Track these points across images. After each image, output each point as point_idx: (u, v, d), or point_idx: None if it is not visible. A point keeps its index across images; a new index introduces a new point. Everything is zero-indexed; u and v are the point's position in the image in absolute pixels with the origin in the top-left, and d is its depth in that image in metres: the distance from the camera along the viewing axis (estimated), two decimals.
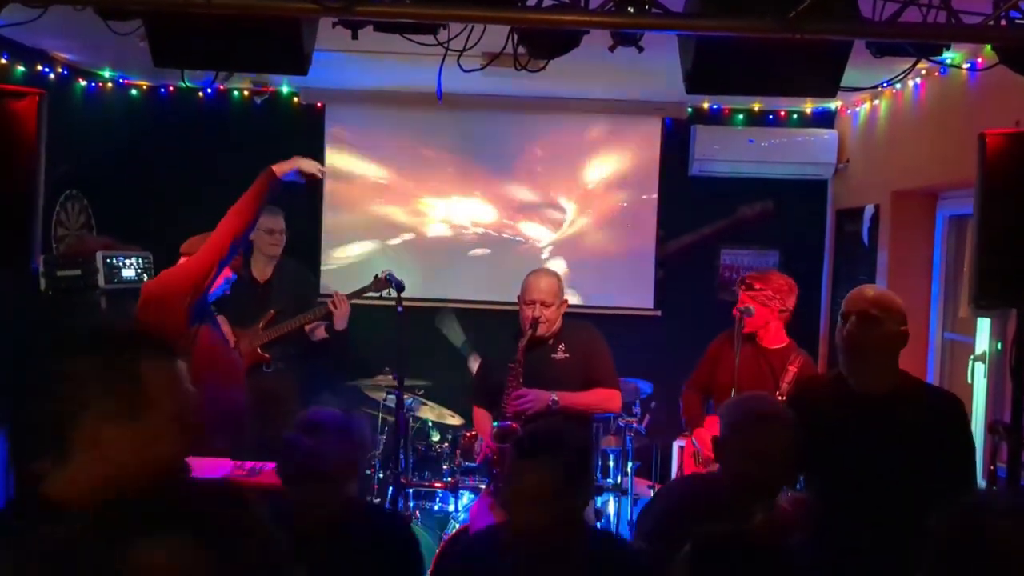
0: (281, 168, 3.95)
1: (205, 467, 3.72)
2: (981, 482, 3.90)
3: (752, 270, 6.13)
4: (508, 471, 2.57)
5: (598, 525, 4.57)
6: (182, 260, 4.09)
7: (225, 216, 3.91)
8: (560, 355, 4.10)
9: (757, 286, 4.41)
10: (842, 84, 2.91)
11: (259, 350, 5.04)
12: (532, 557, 2.43)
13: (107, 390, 1.53)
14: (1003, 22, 2.69)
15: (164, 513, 1.07)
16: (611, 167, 6.43)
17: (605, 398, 4.13)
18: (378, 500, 4.92)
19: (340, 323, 4.97)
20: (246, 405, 4.02)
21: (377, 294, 5.05)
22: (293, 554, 1.16)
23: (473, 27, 2.78)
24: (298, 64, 2.84)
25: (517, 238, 6.49)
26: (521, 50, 2.84)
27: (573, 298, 4.24)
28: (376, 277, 5.10)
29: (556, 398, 3.97)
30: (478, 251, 6.53)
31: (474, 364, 5.10)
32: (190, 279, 3.81)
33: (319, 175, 4.08)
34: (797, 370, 4.31)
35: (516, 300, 4.18)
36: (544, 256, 6.44)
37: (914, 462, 2.82)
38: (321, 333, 5.18)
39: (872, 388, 2.93)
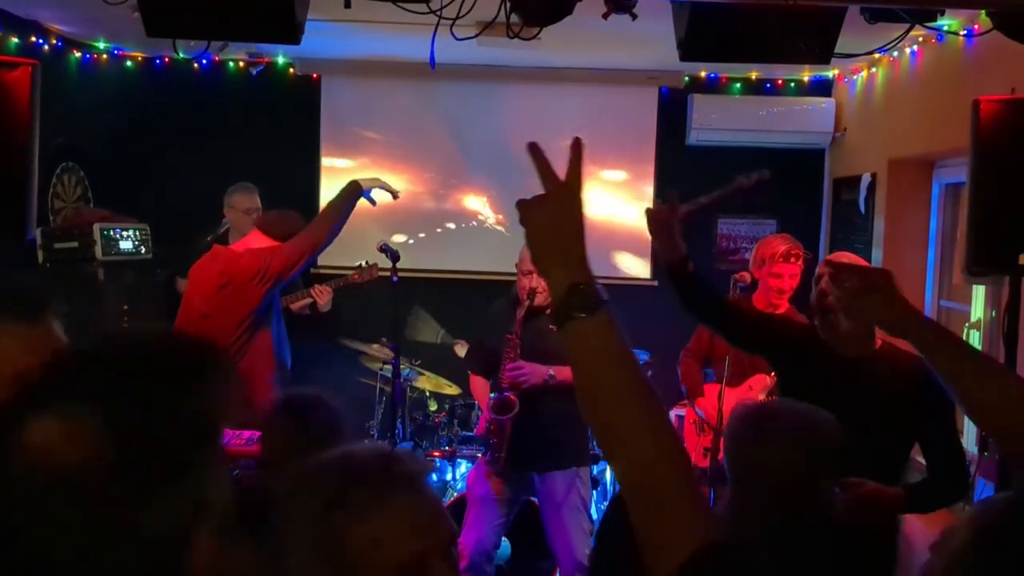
0: (366, 182, 4.21)
1: None
2: (971, 448, 3.93)
3: (749, 239, 6.16)
4: None
5: (594, 494, 4.60)
6: (254, 235, 4.18)
7: (313, 222, 4.13)
8: None
9: (799, 252, 4.32)
10: (836, 51, 2.91)
11: None
12: None
13: None
14: None
15: (62, 384, 0.93)
16: (608, 137, 6.41)
17: None
18: None
19: (324, 307, 5.08)
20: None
21: (363, 281, 5.13)
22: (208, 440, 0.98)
23: None
24: (290, 33, 2.83)
25: (513, 209, 6.46)
26: (514, 18, 2.84)
27: None
28: (360, 266, 5.17)
29: (553, 373, 3.98)
30: (474, 221, 6.53)
31: (461, 350, 5.12)
32: (272, 269, 3.92)
33: (394, 192, 4.37)
34: None
35: (511, 271, 4.19)
36: None
37: (886, 426, 2.83)
38: (302, 308, 5.18)
39: (847, 350, 2.92)
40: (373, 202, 4.30)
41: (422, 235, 6.46)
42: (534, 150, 1.42)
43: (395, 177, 6.40)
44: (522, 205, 1.39)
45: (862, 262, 4.23)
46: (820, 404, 2.25)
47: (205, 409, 0.96)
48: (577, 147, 1.41)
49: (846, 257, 4.36)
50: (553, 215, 1.38)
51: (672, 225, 2.87)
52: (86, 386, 0.92)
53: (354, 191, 4.14)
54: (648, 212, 2.95)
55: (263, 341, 4.01)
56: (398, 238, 6.22)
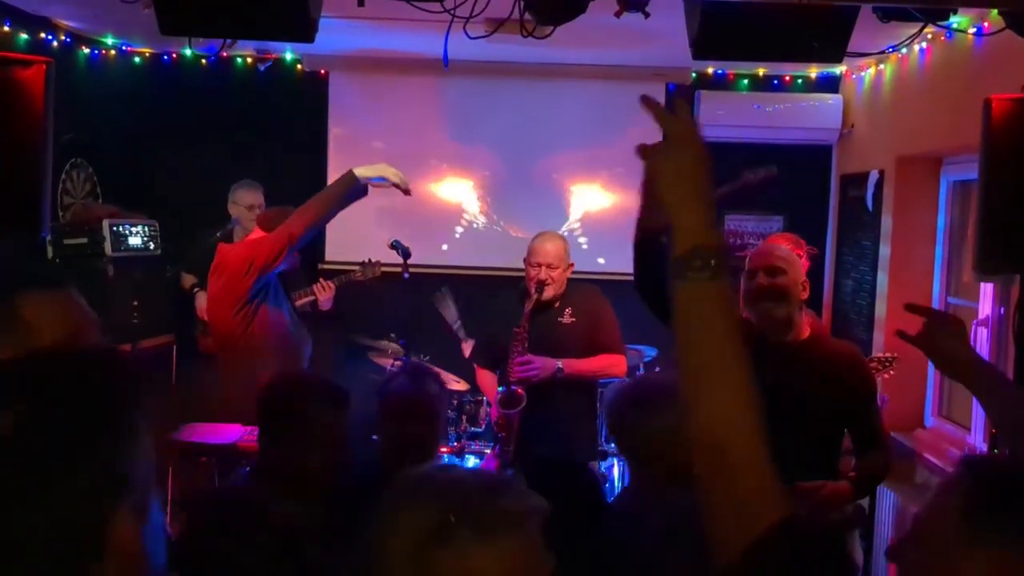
0: (364, 172, 4.01)
1: (215, 433, 3.78)
2: (984, 445, 3.94)
3: (756, 235, 6.16)
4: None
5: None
6: (255, 232, 4.19)
7: (301, 207, 4.01)
8: (567, 319, 4.12)
9: (798, 252, 4.37)
10: (848, 49, 2.91)
11: None
12: None
13: None
14: None
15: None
16: (614, 133, 6.40)
17: (611, 364, 4.16)
18: None
19: (324, 304, 5.06)
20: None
21: (364, 279, 5.14)
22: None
23: None
24: (304, 31, 2.84)
25: (521, 204, 6.49)
26: (527, 16, 2.85)
27: (576, 264, 4.26)
28: (363, 264, 5.17)
29: (561, 366, 3.99)
30: (483, 217, 6.54)
31: (466, 348, 5.13)
32: (257, 261, 3.93)
33: (403, 186, 4.10)
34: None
35: (518, 267, 4.20)
36: (548, 220, 6.44)
37: (820, 408, 3.01)
38: (304, 304, 5.19)
39: (785, 336, 3.08)
40: (364, 191, 4.14)
41: (431, 231, 6.46)
42: (646, 100, 1.36)
43: (402, 171, 6.41)
44: (646, 150, 1.32)
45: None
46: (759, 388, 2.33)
47: (108, 399, 1.07)
48: (650, 100, 1.35)
49: (783, 239, 4.42)
50: (681, 157, 1.31)
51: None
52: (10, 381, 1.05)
53: (349, 184, 4.00)
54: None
55: (262, 333, 4.02)
56: (406, 234, 6.22)
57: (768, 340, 3.05)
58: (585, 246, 6.33)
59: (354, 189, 4.00)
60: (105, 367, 1.13)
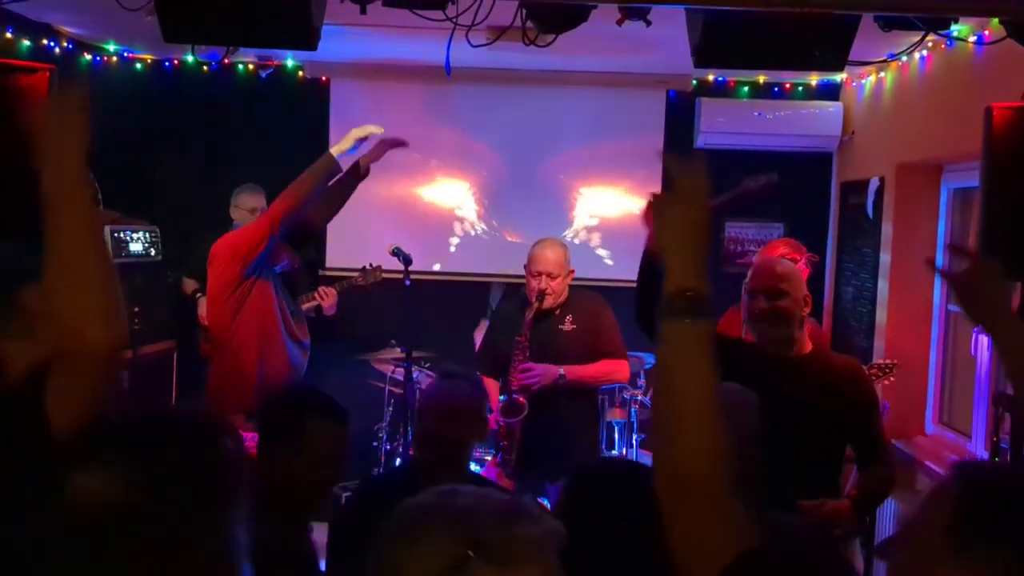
0: (339, 147, 4.10)
1: None
2: (985, 453, 3.94)
3: (756, 242, 6.17)
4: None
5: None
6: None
7: (281, 193, 4.06)
8: (567, 326, 4.12)
9: (796, 257, 4.39)
10: (849, 58, 2.92)
11: None
12: None
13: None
14: None
15: (99, 441, 1.12)
16: (615, 140, 6.42)
17: (613, 369, 4.15)
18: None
19: (328, 310, 5.08)
20: (287, 375, 4.14)
21: (366, 284, 5.15)
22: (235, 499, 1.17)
23: (481, 2, 2.79)
24: (307, 39, 2.85)
25: (523, 211, 6.50)
26: (529, 25, 2.86)
27: (576, 272, 4.26)
28: (364, 269, 5.18)
29: (563, 372, 3.99)
30: (484, 224, 6.54)
31: (480, 330, 5.14)
32: (240, 248, 3.98)
33: (378, 132, 4.24)
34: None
35: (518, 273, 4.20)
36: (549, 228, 6.44)
37: (822, 421, 3.01)
38: (308, 310, 5.19)
39: (786, 352, 3.08)
40: (365, 173, 4.30)
41: (432, 238, 6.46)
42: (663, 155, 1.56)
43: (403, 182, 6.43)
44: (657, 198, 1.48)
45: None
46: (764, 407, 2.35)
47: (218, 471, 1.13)
48: (667, 155, 1.51)
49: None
50: (685, 207, 1.44)
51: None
52: (121, 446, 1.11)
53: (326, 165, 4.08)
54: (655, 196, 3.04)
55: (246, 326, 4.03)
56: (408, 240, 6.23)
57: (770, 355, 3.05)
58: (587, 252, 6.33)
59: (331, 169, 4.09)
60: (213, 431, 1.17)
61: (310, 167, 4.11)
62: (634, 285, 3.19)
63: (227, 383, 4.01)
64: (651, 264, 3.08)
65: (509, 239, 6.41)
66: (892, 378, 4.57)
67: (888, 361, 4.61)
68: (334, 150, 4.10)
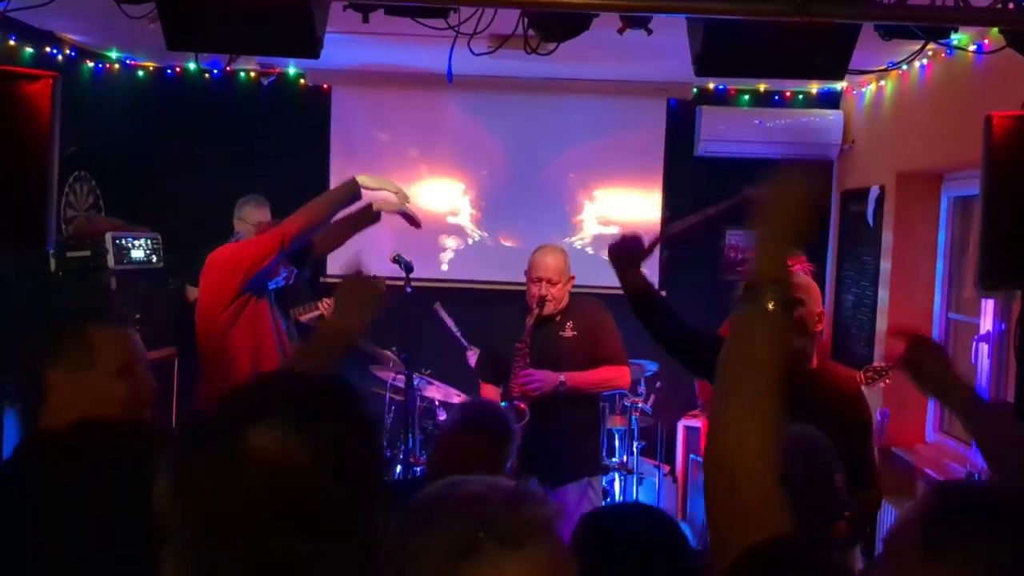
0: (365, 180, 3.99)
1: None
2: (982, 462, 3.94)
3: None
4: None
5: (604, 504, 4.61)
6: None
7: (298, 210, 3.94)
8: (568, 332, 4.12)
9: (792, 263, 4.39)
10: (850, 66, 2.93)
11: None
12: None
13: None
14: (1011, 5, 2.71)
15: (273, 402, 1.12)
16: (616, 147, 6.44)
17: (614, 376, 4.15)
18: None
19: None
20: None
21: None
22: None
23: (483, 10, 2.80)
24: (310, 48, 2.86)
25: (524, 218, 6.51)
26: (531, 33, 2.87)
27: (577, 278, 4.26)
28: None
29: (563, 379, 3.99)
30: (486, 231, 6.55)
31: (472, 356, 5.14)
32: (244, 260, 3.85)
33: (408, 209, 4.24)
34: None
35: (521, 281, 4.20)
36: (550, 235, 6.45)
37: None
38: (311, 319, 5.19)
39: (794, 366, 3.01)
40: (376, 217, 4.24)
41: (433, 245, 6.48)
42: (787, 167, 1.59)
43: (404, 186, 6.41)
44: (779, 181, 1.52)
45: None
46: None
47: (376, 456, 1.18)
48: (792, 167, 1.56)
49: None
50: (797, 204, 1.51)
51: (636, 258, 3.06)
52: (292, 407, 1.11)
53: (349, 190, 3.98)
54: (612, 247, 3.14)
55: (239, 337, 3.92)
56: (409, 248, 6.24)
57: None
58: (588, 260, 6.34)
59: (352, 196, 3.99)
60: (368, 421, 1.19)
61: (332, 189, 4.09)
62: None
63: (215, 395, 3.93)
64: (634, 298, 3.10)
65: (510, 246, 6.42)
66: (888, 381, 4.56)
67: (883, 364, 4.61)
68: (361, 179, 3.98)
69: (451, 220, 6.55)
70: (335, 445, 1.07)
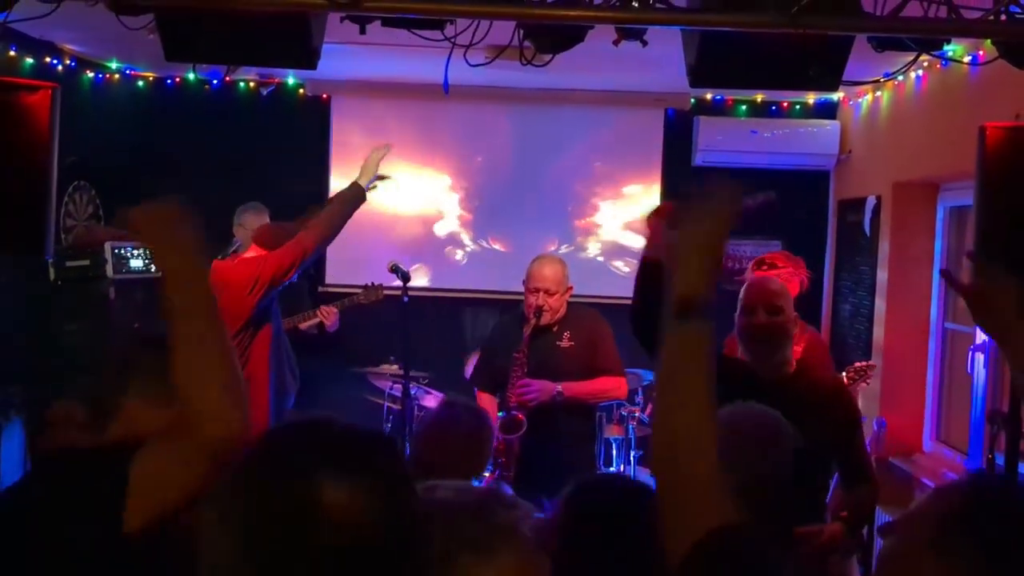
0: (364, 177, 4.10)
1: None
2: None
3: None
4: None
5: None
6: (252, 249, 4.17)
7: (311, 224, 4.00)
8: (565, 343, 4.13)
9: (780, 264, 4.40)
10: (844, 77, 2.95)
11: None
12: None
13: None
14: (1003, 17, 2.72)
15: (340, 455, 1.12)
16: (614, 158, 6.47)
17: (611, 387, 4.16)
18: None
19: (332, 327, 5.09)
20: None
21: (367, 302, 5.17)
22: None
23: (479, 22, 2.82)
24: (307, 58, 2.88)
25: (521, 228, 6.52)
26: (526, 44, 2.89)
27: (576, 288, 4.28)
28: (366, 287, 5.20)
29: (561, 389, 4.00)
30: (483, 242, 6.57)
31: (469, 364, 5.16)
32: (264, 276, 3.86)
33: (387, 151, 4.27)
34: (803, 348, 4.31)
35: (519, 290, 4.22)
36: (548, 246, 6.48)
37: (811, 440, 2.91)
38: (310, 327, 5.20)
39: (776, 372, 3.06)
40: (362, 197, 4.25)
41: (431, 254, 6.49)
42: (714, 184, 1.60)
43: (402, 199, 6.45)
44: (683, 206, 1.55)
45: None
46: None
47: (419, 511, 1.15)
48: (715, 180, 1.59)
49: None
50: (711, 224, 1.52)
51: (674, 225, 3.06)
52: (360, 461, 1.10)
53: (357, 196, 4.08)
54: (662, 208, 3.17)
55: (259, 352, 3.98)
56: (407, 257, 6.26)
57: (757, 375, 3.03)
58: (585, 269, 6.35)
59: (360, 199, 4.09)
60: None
61: (340, 197, 4.12)
62: (632, 300, 3.22)
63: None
64: (649, 272, 3.09)
65: (507, 256, 6.43)
66: (869, 382, 4.56)
67: (864, 364, 4.62)
68: (361, 181, 4.10)
69: (448, 229, 6.56)
70: (389, 501, 1.08)
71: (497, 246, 6.56)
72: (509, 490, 4.04)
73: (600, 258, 6.50)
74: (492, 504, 1.24)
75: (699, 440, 1.33)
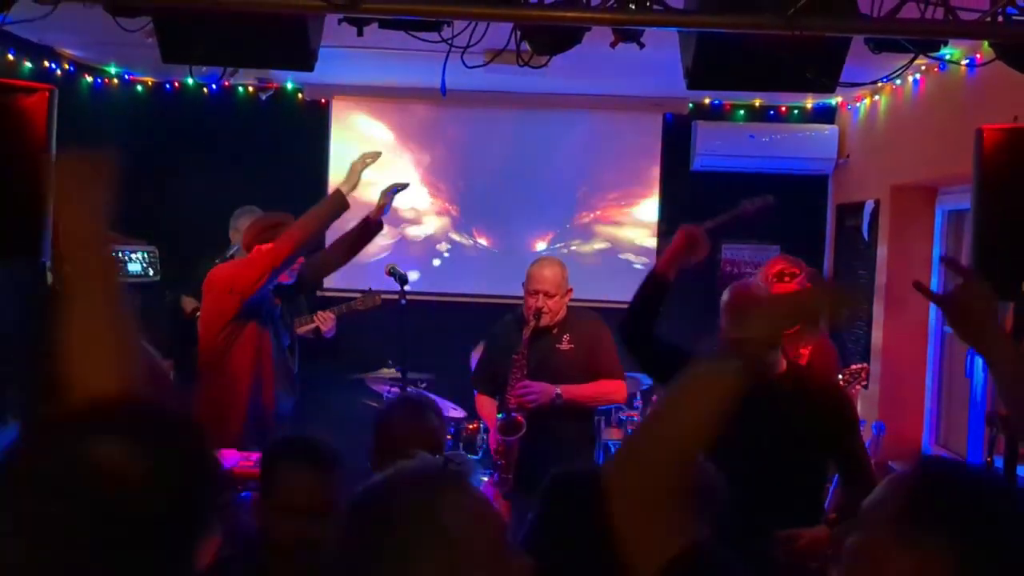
0: (348, 184, 4.02)
1: None
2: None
3: (753, 264, 6.18)
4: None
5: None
6: (255, 250, 4.13)
7: (289, 228, 3.95)
8: (565, 345, 4.12)
9: (796, 271, 4.36)
10: (841, 80, 2.95)
11: None
12: None
13: None
14: (1000, 19, 2.73)
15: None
16: (613, 162, 6.47)
17: (610, 390, 4.15)
18: None
19: (329, 333, 5.09)
20: (277, 411, 4.12)
21: (364, 308, 5.17)
22: None
23: (476, 24, 2.82)
24: (304, 60, 2.88)
25: (520, 232, 6.52)
26: (524, 46, 2.89)
27: (576, 292, 4.27)
28: (364, 292, 5.20)
29: (560, 392, 4.00)
30: (482, 244, 6.57)
31: (475, 357, 5.16)
32: (238, 283, 3.89)
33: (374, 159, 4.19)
34: (811, 352, 4.29)
35: (518, 294, 4.21)
36: (547, 250, 6.48)
37: (804, 440, 2.99)
38: (307, 332, 5.20)
39: (768, 374, 3.03)
40: (379, 227, 4.30)
41: (430, 258, 6.49)
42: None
43: (401, 203, 6.44)
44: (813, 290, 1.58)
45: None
46: (741, 427, 2.34)
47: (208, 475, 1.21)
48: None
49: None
50: (802, 306, 1.56)
51: (699, 256, 3.09)
52: (143, 432, 1.13)
53: (338, 205, 4.00)
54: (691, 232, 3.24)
55: (241, 353, 3.98)
56: (405, 261, 6.26)
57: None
58: (584, 274, 6.34)
59: (341, 207, 4.01)
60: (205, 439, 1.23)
61: (319, 205, 4.05)
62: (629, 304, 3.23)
63: (215, 413, 3.89)
64: (656, 285, 3.12)
65: (506, 259, 6.43)
66: (864, 383, 4.54)
67: (858, 366, 4.61)
68: (343, 188, 4.00)
69: (445, 233, 6.56)
70: (172, 476, 1.09)
71: (495, 250, 6.55)
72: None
73: (599, 263, 6.49)
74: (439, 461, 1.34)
75: (688, 460, 1.34)
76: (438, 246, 6.56)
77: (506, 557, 1.28)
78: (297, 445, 2.31)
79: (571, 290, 4.19)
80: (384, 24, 2.83)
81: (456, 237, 6.57)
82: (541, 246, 6.50)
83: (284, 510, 2.17)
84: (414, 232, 6.55)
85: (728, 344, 1.38)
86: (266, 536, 2.20)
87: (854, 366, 4.65)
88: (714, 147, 6.16)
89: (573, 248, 6.51)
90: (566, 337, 4.14)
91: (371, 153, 4.19)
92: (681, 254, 3.20)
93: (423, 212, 6.54)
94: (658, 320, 3.20)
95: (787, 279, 4.36)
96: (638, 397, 5.43)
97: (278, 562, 2.17)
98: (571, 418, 4.11)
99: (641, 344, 3.23)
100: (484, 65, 3.08)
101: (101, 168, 1.79)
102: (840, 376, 4.50)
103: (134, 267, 5.23)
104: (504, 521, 1.35)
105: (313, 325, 5.12)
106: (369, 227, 4.29)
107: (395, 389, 5.00)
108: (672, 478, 1.31)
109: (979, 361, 4.49)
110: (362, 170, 4.08)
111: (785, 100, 6.23)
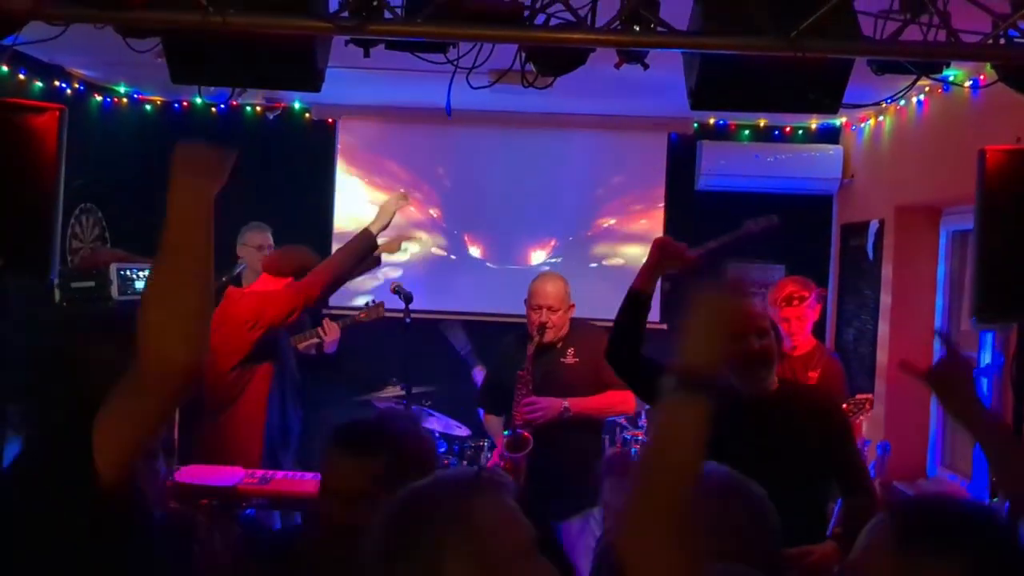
0: (378, 224, 4.04)
1: (216, 475, 3.78)
2: (985, 494, 3.93)
3: (764, 283, 6.18)
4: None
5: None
6: (261, 277, 4.22)
7: (320, 265, 3.99)
8: (570, 359, 4.13)
9: (805, 293, 4.37)
10: (844, 100, 2.97)
11: None
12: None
13: None
14: (1002, 41, 2.74)
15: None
16: (618, 182, 6.49)
17: (618, 401, 4.14)
18: None
19: (329, 347, 5.06)
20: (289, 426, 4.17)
21: (369, 319, 5.18)
22: None
23: (482, 45, 2.85)
24: (311, 81, 2.90)
25: (525, 250, 6.54)
26: (529, 67, 2.91)
27: (580, 310, 4.28)
28: (367, 305, 5.21)
29: (568, 405, 4.00)
30: (486, 263, 6.59)
31: (479, 375, 5.16)
32: (265, 316, 3.87)
33: (406, 201, 4.25)
34: (819, 375, 4.29)
35: (522, 312, 4.22)
36: (551, 267, 6.49)
37: (802, 456, 2.97)
38: (308, 347, 5.20)
39: (758, 390, 3.03)
40: (376, 262, 4.31)
41: (433, 276, 6.51)
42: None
43: (406, 222, 6.47)
44: (704, 291, 1.50)
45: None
46: (735, 445, 2.34)
47: None
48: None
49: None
50: (724, 315, 1.50)
51: (676, 265, 3.07)
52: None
53: (367, 244, 4.03)
54: (664, 243, 3.15)
55: (258, 388, 3.99)
56: (409, 279, 6.28)
57: (739, 395, 3.00)
58: (589, 293, 6.34)
59: (371, 247, 4.04)
60: None
61: (349, 244, 4.07)
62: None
63: (235, 441, 3.90)
64: (634, 302, 3.13)
65: (510, 277, 6.44)
66: (868, 414, 4.54)
67: (862, 397, 4.60)
68: (373, 228, 4.04)
69: (452, 252, 6.58)
70: None
71: (500, 268, 6.57)
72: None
73: (604, 282, 6.50)
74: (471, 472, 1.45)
75: (686, 491, 1.35)
76: (442, 265, 6.58)
77: (532, 560, 1.36)
78: (343, 431, 2.32)
79: (573, 305, 4.20)
80: (390, 45, 2.85)
81: (460, 256, 6.58)
82: (546, 265, 6.52)
83: (328, 494, 2.22)
84: (418, 249, 6.56)
85: (678, 374, 1.40)
86: (320, 519, 2.27)
87: (859, 396, 4.64)
88: (719, 167, 6.18)
89: (578, 267, 6.52)
90: (570, 351, 4.14)
91: (402, 194, 4.24)
92: (655, 267, 3.21)
93: (428, 231, 6.56)
94: (642, 339, 3.19)
95: (796, 302, 4.36)
96: (642, 416, 5.42)
97: (325, 545, 2.22)
98: (579, 431, 4.11)
99: (628, 363, 3.23)
100: (489, 86, 3.11)
101: (221, 161, 2.00)
102: (844, 405, 4.50)
103: (141, 285, 5.23)
104: (532, 529, 1.40)
105: (315, 340, 5.11)
106: (369, 235, 4.27)
107: (399, 406, 5.00)
108: (677, 516, 1.33)
109: (984, 382, 4.49)
110: (395, 211, 4.11)
111: (790, 120, 6.26)
